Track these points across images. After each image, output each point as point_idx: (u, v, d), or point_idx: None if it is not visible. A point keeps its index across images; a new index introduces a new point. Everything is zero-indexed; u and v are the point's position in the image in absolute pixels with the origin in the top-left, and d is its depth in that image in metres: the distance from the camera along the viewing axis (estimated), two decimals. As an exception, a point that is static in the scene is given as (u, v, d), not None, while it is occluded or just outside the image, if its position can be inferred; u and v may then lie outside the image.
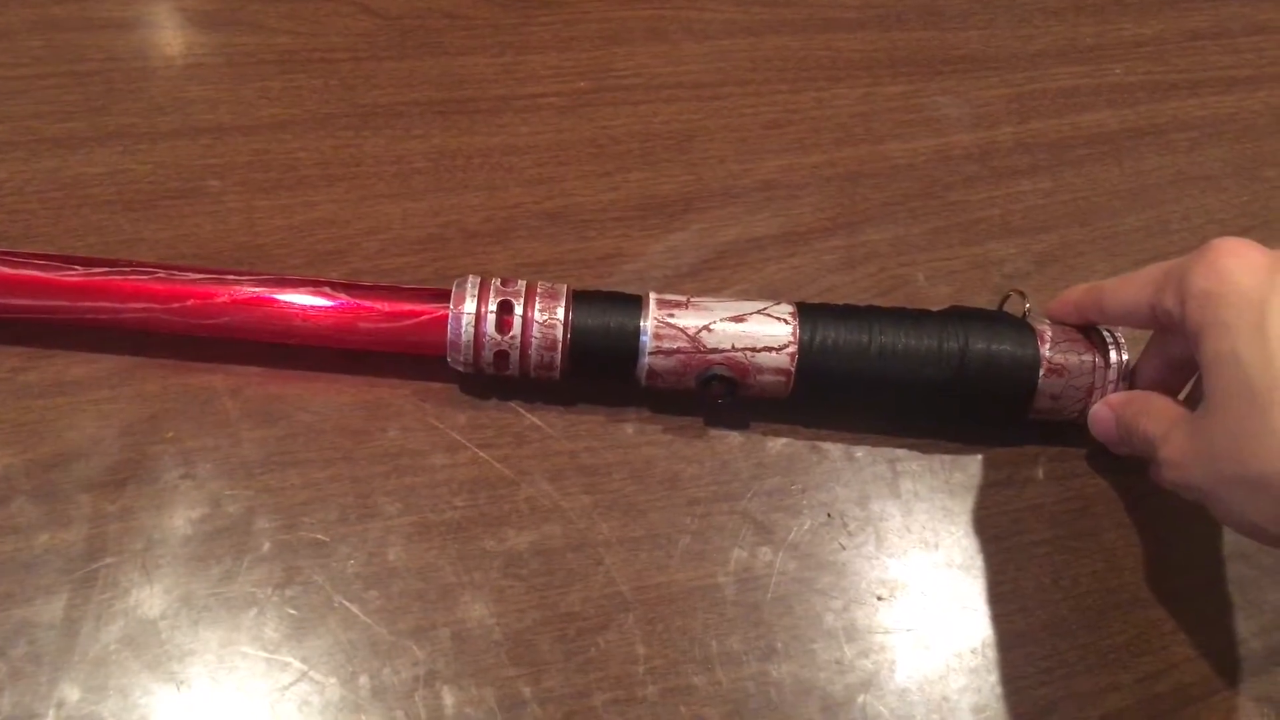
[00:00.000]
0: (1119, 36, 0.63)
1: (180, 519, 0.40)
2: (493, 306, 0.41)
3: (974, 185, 0.54)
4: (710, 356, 0.42)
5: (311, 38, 0.55)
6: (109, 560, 0.39)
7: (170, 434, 0.42)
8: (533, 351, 0.41)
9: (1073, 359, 0.42)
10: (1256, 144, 0.58)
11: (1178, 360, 0.41)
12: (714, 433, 0.44)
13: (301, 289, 0.42)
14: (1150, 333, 0.43)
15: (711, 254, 0.50)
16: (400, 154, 0.51)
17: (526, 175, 0.52)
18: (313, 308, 0.42)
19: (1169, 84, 0.61)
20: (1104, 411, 0.42)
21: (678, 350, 0.42)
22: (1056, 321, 0.44)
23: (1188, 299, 0.36)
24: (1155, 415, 0.39)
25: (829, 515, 0.42)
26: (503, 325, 0.41)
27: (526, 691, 0.37)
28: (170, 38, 0.55)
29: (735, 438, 0.44)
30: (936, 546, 0.42)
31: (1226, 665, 0.40)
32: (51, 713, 0.36)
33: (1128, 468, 0.45)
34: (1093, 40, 0.63)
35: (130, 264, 0.42)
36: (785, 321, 0.42)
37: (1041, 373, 0.42)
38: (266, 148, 0.51)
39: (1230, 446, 0.34)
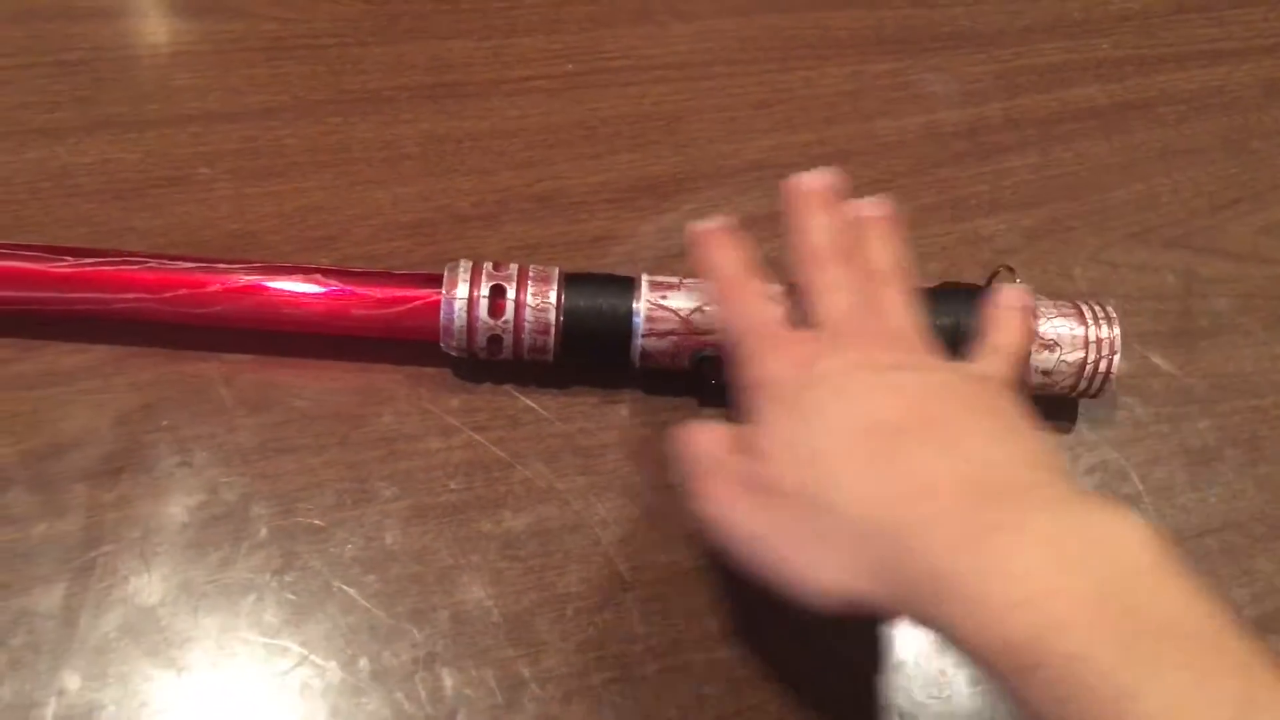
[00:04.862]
0: (1106, 11, 0.63)
1: (177, 506, 0.40)
2: (485, 291, 0.41)
3: (963, 162, 0.55)
4: (703, 338, 0.42)
5: (298, 24, 0.55)
6: (107, 549, 0.39)
7: (165, 422, 0.42)
8: (526, 335, 0.41)
9: (1065, 334, 0.42)
10: (1244, 116, 0.59)
11: None
12: (708, 411, 0.44)
13: (293, 276, 0.42)
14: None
15: (703, 234, 0.50)
16: (389, 139, 0.51)
17: (516, 159, 0.52)
18: (305, 295, 0.42)
19: (1156, 58, 0.61)
20: (686, 439, 0.37)
21: (670, 332, 0.42)
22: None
23: (748, 378, 0.35)
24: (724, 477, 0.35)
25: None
26: (495, 309, 0.41)
27: (526, 672, 0.38)
28: (155, 26, 0.55)
29: (730, 416, 0.44)
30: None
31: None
32: (53, 701, 0.36)
33: (1115, 440, 0.45)
34: (1080, 15, 0.63)
35: (121, 254, 0.42)
36: (777, 301, 0.42)
37: (1033, 348, 0.42)
38: (255, 135, 0.50)
39: (792, 522, 0.32)
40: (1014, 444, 0.32)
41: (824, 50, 0.59)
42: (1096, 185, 0.54)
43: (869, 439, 0.32)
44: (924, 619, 0.29)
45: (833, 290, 0.37)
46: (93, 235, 0.46)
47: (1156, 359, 0.48)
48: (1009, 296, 0.39)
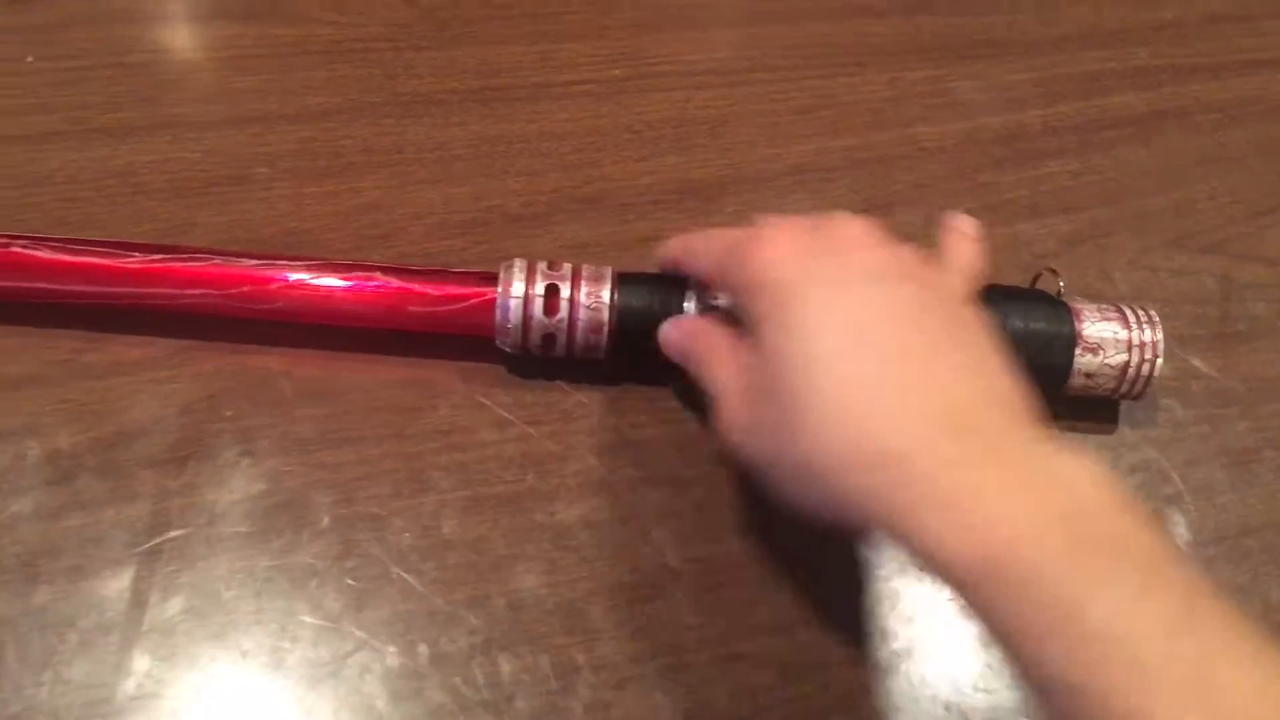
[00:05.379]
0: (1141, 20, 0.64)
1: (241, 494, 0.41)
2: (540, 290, 0.42)
3: (1003, 167, 0.55)
4: None
5: (353, 28, 0.57)
6: (173, 534, 0.40)
7: (229, 413, 0.43)
8: (579, 334, 0.42)
9: (1108, 337, 0.43)
10: (1280, 125, 0.59)
11: None
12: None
13: (352, 274, 0.43)
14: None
15: (748, 236, 0.51)
16: (442, 140, 0.53)
17: (565, 160, 0.53)
18: (363, 292, 0.43)
19: (1192, 67, 0.62)
20: (672, 335, 0.42)
21: None
22: (664, 270, 0.44)
23: (738, 287, 0.37)
24: (724, 368, 0.38)
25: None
26: (549, 308, 0.42)
27: (580, 659, 0.38)
28: (216, 30, 0.56)
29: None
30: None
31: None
32: (122, 680, 0.37)
33: (1156, 441, 0.46)
34: (1116, 24, 0.64)
35: (187, 250, 0.43)
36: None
37: (1077, 351, 0.43)
38: (313, 136, 0.52)
39: (779, 433, 0.34)
40: (990, 380, 0.34)
41: (864, 57, 0.60)
42: (1135, 191, 0.55)
43: (860, 357, 0.33)
44: (895, 536, 0.31)
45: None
46: (157, 231, 0.48)
47: (1196, 361, 0.49)
48: (962, 223, 0.42)
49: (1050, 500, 0.29)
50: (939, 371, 0.33)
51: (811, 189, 0.53)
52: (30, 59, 0.53)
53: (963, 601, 0.29)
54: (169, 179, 0.49)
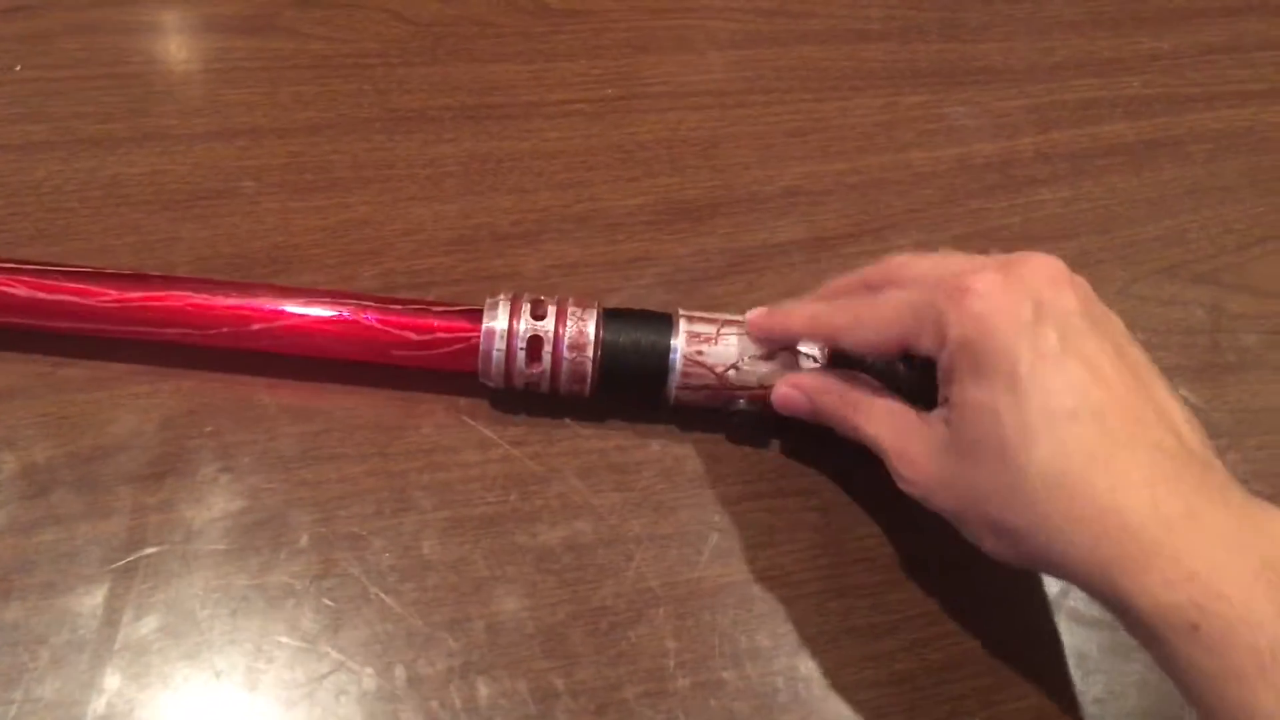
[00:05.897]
0: (1136, 50, 0.64)
1: (219, 511, 0.40)
2: (522, 339, 0.41)
3: (994, 194, 0.55)
4: (737, 392, 0.42)
5: (345, 43, 0.56)
6: (149, 551, 0.39)
7: (209, 429, 0.42)
8: (562, 381, 0.42)
9: None
10: (1272, 156, 0.59)
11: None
12: (741, 435, 0.45)
13: (337, 309, 0.42)
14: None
15: (738, 258, 0.50)
16: (432, 157, 0.52)
17: (556, 179, 0.52)
18: (346, 335, 0.42)
19: (1185, 97, 0.62)
20: (794, 394, 0.41)
21: (705, 387, 0.42)
22: (758, 339, 0.42)
23: (947, 344, 0.35)
24: (877, 419, 0.39)
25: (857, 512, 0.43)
26: (532, 357, 0.42)
27: (559, 684, 0.38)
28: (207, 42, 0.56)
29: (761, 439, 0.45)
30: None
31: None
32: (93, 699, 0.36)
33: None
34: (1110, 54, 0.64)
35: (164, 283, 0.42)
36: (815, 359, 0.42)
37: None
38: (301, 150, 0.51)
39: (978, 490, 0.34)
40: (1180, 428, 0.34)
41: (858, 81, 0.59)
42: (1126, 220, 0.55)
43: (1078, 420, 0.33)
44: (1106, 594, 0.32)
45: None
46: (141, 244, 0.47)
47: (1184, 392, 0.49)
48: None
49: (1255, 547, 0.30)
50: (1142, 427, 0.33)
51: (803, 211, 0.53)
52: (19, 68, 0.53)
53: (1163, 653, 0.30)
54: (155, 191, 0.49)
